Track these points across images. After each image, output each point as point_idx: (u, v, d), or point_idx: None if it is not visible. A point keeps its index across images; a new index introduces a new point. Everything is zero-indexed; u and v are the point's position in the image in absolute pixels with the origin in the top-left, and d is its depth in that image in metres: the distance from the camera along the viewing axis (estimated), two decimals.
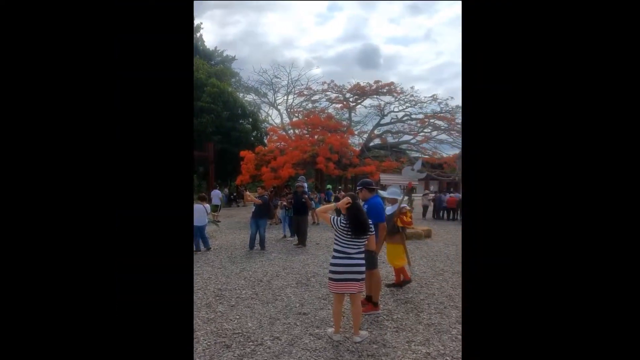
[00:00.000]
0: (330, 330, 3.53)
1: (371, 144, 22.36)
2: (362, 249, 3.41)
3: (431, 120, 20.61)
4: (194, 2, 1.62)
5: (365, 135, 22.94)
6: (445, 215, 15.61)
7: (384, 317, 4.00)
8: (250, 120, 26.80)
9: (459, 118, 20.23)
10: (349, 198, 3.38)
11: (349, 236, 3.32)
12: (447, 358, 3.08)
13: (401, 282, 5.12)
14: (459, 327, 3.74)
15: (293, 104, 25.05)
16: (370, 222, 3.46)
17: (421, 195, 17.51)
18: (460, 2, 1.55)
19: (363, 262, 3.40)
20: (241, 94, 28.24)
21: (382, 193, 5.19)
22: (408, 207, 5.24)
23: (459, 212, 14.54)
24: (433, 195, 17.08)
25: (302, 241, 8.41)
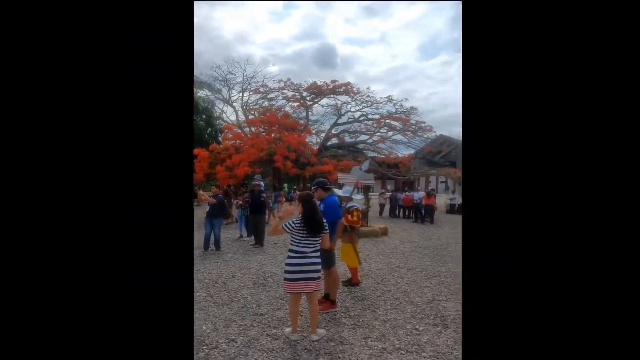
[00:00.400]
0: (287, 330, 3.48)
1: (329, 143, 22.53)
2: (318, 247, 3.41)
3: (387, 121, 21.13)
4: None
5: (323, 135, 23.06)
6: (401, 213, 16.04)
7: (342, 314, 4.02)
8: (204, 116, 25.96)
9: (413, 119, 20.92)
10: (292, 209, 3.41)
11: (304, 235, 3.30)
12: (402, 352, 3.14)
13: (351, 282, 5.14)
14: (414, 321, 3.83)
15: (249, 101, 24.62)
16: (325, 221, 3.47)
17: (378, 194, 17.89)
18: (455, 3, 1.53)
19: (319, 260, 3.39)
20: (194, 90, 27.33)
21: (337, 192, 5.21)
22: (356, 206, 5.28)
23: (414, 210, 14.96)
24: (389, 194, 17.49)
25: (259, 241, 8.27)
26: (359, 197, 5.45)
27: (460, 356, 3.08)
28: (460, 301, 4.55)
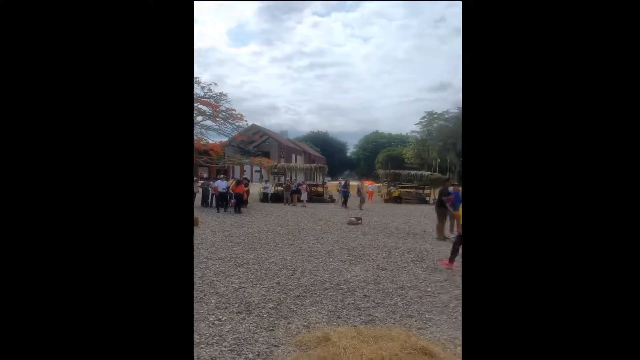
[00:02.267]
0: None
1: None
2: None
3: (195, 104, 20.17)
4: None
5: None
6: (214, 203, 15.66)
7: None
8: None
9: (223, 105, 20.60)
10: None
11: None
12: (202, 346, 3.02)
13: None
14: (217, 312, 3.76)
15: None
16: None
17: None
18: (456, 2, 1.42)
19: None
20: None
21: None
22: None
23: (231, 200, 14.71)
24: (201, 182, 16.85)
25: None
26: None
27: (261, 339, 3.17)
28: (265, 286, 4.74)
